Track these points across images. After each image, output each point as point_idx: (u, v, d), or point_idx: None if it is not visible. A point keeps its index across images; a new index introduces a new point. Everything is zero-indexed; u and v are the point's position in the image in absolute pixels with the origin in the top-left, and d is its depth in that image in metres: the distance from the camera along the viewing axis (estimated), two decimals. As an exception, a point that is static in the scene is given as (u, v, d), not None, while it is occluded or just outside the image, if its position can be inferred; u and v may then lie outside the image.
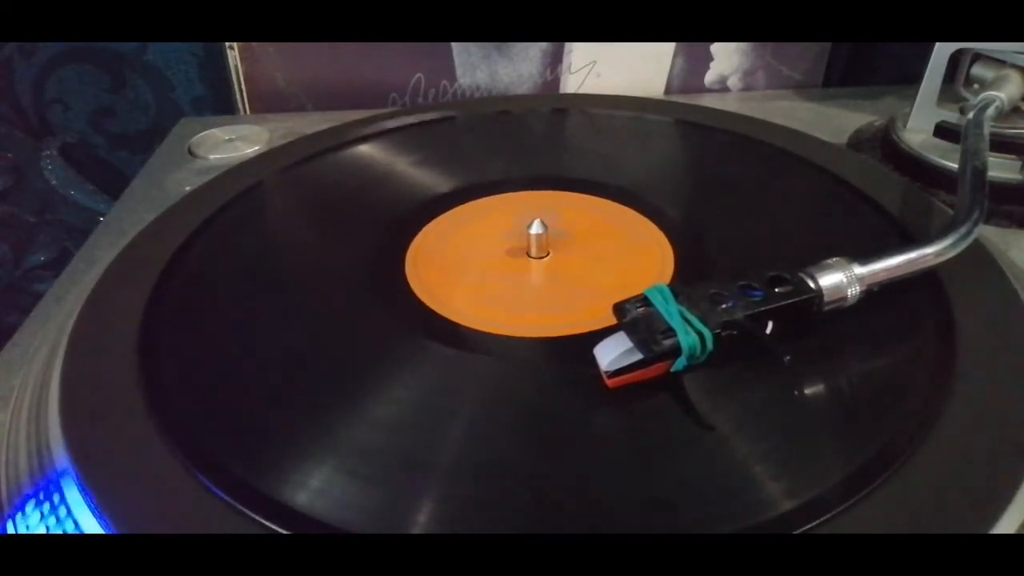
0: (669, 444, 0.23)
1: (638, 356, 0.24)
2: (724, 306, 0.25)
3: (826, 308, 0.26)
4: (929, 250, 0.27)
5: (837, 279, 0.26)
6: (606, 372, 0.24)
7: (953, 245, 0.28)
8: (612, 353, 0.24)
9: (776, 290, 0.26)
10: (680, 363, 0.24)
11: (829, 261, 0.27)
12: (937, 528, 0.20)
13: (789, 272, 0.26)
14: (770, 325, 0.25)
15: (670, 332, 0.24)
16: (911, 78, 0.43)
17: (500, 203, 0.37)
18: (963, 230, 0.28)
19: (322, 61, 0.53)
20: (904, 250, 0.27)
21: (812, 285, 0.26)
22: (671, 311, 0.24)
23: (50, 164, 0.57)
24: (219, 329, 0.29)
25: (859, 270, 0.26)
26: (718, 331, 0.24)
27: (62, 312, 0.33)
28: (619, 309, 0.25)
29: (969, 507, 0.21)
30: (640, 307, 0.25)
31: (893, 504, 0.21)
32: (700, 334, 0.24)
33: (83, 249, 0.39)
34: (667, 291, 0.25)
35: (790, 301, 0.26)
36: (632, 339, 0.24)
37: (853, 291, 0.26)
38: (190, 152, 0.47)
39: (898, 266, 0.27)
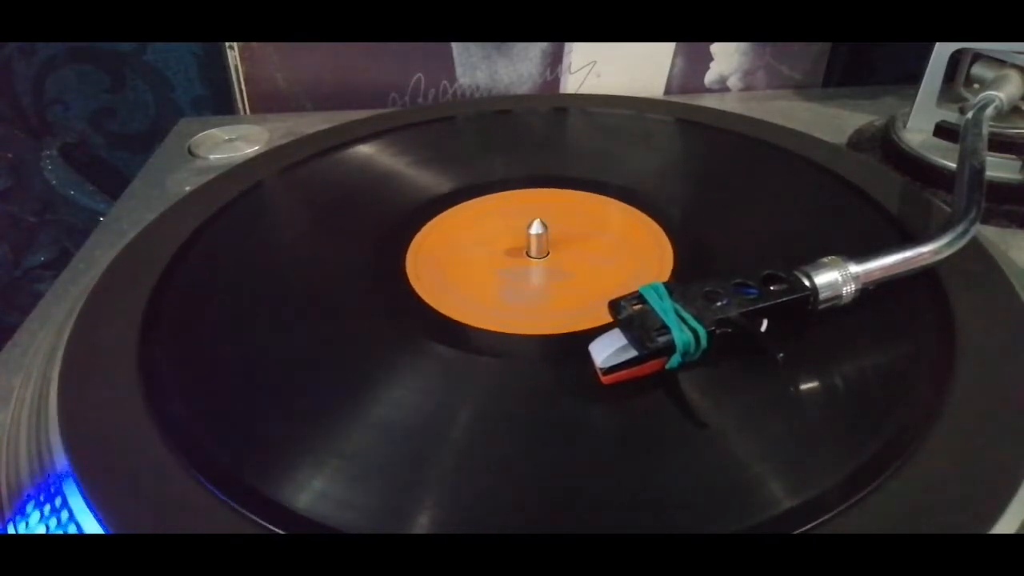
0: (668, 443, 0.23)
1: (633, 353, 0.24)
2: (719, 304, 0.25)
3: (821, 306, 0.26)
4: (925, 249, 0.27)
5: (832, 277, 0.26)
6: (601, 369, 0.24)
7: (949, 244, 0.28)
8: (607, 350, 0.24)
9: (771, 288, 0.26)
10: (675, 360, 0.24)
11: (824, 260, 0.27)
12: (937, 528, 0.20)
13: (784, 270, 0.26)
14: (765, 323, 0.25)
15: (664, 329, 0.24)
16: (911, 78, 0.43)
17: (500, 203, 0.37)
18: (960, 229, 0.28)
19: (322, 61, 0.53)
20: (900, 249, 0.27)
21: (807, 283, 0.26)
22: (665, 308, 0.24)
23: (50, 164, 0.56)
24: (219, 329, 0.29)
25: (854, 268, 0.26)
26: (712, 328, 0.24)
27: (62, 312, 0.33)
28: (614, 306, 0.25)
29: (969, 507, 0.21)
30: (635, 304, 0.25)
31: (893, 504, 0.21)
32: (694, 331, 0.24)
33: (83, 249, 0.39)
34: (662, 288, 0.25)
35: (784, 299, 0.26)
36: (627, 336, 0.24)
37: (848, 289, 0.26)
38: (190, 152, 0.47)
39: (894, 265, 0.27)
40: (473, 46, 0.53)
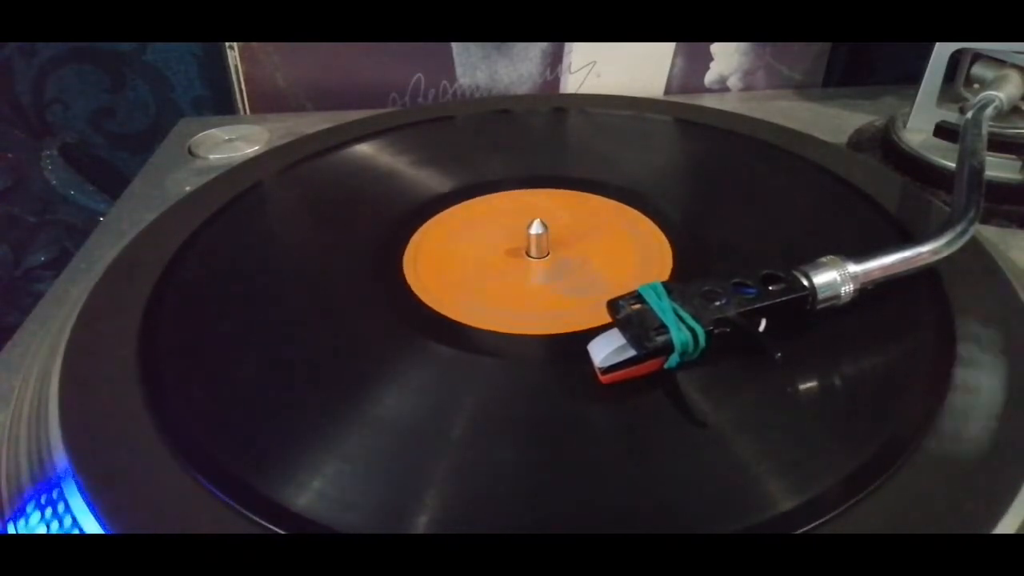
0: (667, 443, 0.23)
1: (631, 352, 0.24)
2: (717, 303, 0.25)
3: (820, 306, 0.26)
4: (924, 248, 0.27)
5: (831, 277, 0.26)
6: (599, 368, 0.24)
7: (948, 244, 0.28)
8: (606, 349, 0.24)
9: (769, 288, 0.26)
10: (673, 360, 0.24)
11: (823, 259, 0.27)
12: (937, 528, 0.20)
13: (783, 270, 0.26)
14: (763, 322, 0.25)
15: (663, 329, 0.24)
16: (911, 78, 0.43)
17: (500, 203, 0.37)
18: (959, 228, 0.28)
19: (322, 61, 0.53)
20: (899, 248, 0.27)
21: (805, 283, 0.26)
22: (664, 308, 0.24)
23: (50, 164, 0.56)
24: (219, 329, 0.29)
25: (853, 268, 0.26)
26: (711, 328, 0.24)
27: (62, 312, 0.33)
28: (613, 306, 0.25)
29: (969, 507, 0.21)
30: (634, 304, 0.25)
31: (893, 504, 0.21)
32: (693, 331, 0.24)
33: (83, 249, 0.39)
34: (660, 288, 0.25)
35: (783, 299, 0.26)
36: (625, 335, 0.24)
37: (847, 289, 0.26)
38: (190, 152, 0.47)
39: (893, 264, 0.27)
40: (473, 46, 0.53)
